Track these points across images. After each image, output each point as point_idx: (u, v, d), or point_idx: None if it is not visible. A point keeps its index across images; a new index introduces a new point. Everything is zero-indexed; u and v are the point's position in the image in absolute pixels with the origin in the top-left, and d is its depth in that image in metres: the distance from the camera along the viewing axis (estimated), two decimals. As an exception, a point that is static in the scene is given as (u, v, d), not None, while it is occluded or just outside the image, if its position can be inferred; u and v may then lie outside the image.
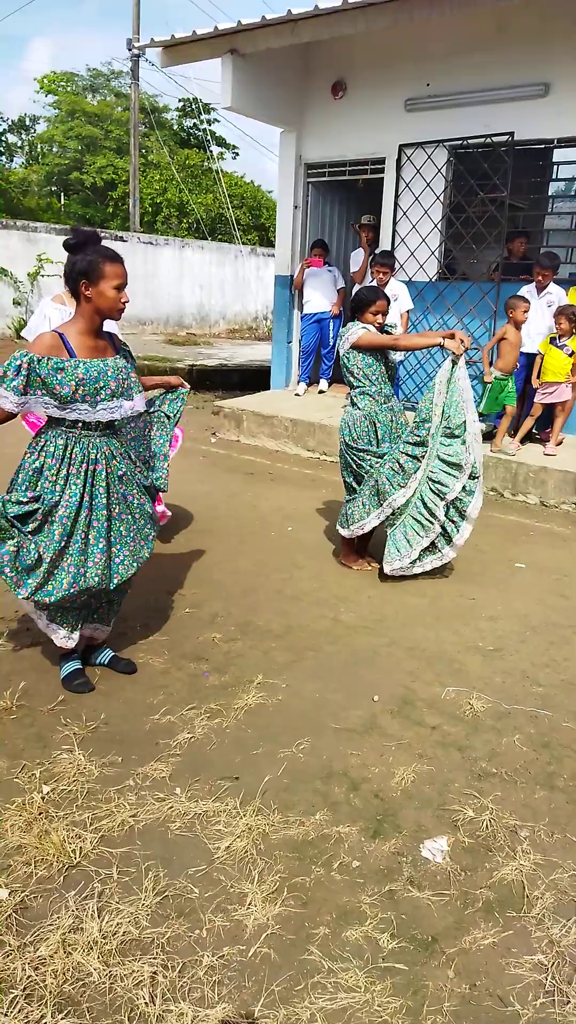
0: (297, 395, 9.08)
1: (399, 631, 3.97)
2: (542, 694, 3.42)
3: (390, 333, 4.46)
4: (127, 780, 2.68)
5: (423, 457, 4.32)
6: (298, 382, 9.32)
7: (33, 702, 3.12)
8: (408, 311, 7.69)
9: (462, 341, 4.26)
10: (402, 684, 3.45)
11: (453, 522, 4.47)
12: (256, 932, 2.12)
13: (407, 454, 4.35)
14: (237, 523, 5.52)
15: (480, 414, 6.30)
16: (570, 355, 6.38)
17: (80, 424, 2.90)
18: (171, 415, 3.61)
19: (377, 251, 7.94)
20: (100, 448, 2.96)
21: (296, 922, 2.16)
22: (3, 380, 2.72)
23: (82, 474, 2.91)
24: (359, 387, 4.48)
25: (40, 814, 2.47)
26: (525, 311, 6.28)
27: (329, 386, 9.21)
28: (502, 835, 2.53)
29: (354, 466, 4.56)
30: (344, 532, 4.67)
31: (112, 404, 2.91)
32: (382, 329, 4.49)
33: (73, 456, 2.91)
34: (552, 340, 6.48)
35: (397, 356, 4.62)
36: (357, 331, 4.39)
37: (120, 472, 3.04)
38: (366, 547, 4.87)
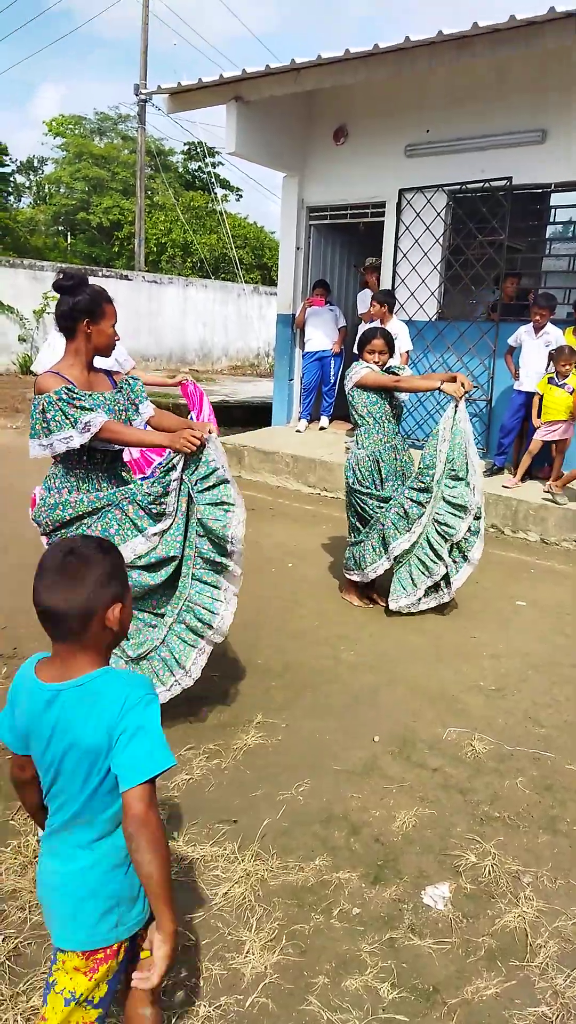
0: (298, 431, 9.14)
1: (400, 669, 3.95)
2: (544, 735, 3.39)
3: (396, 374, 4.52)
4: (124, 822, 2.64)
5: (427, 503, 4.36)
6: (299, 419, 9.39)
7: (30, 741, 3.09)
8: (408, 351, 7.78)
9: (463, 384, 4.31)
10: (403, 724, 3.42)
11: (455, 562, 4.49)
12: (254, 981, 2.08)
13: (412, 500, 4.38)
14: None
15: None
16: (571, 392, 6.44)
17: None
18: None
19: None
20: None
21: (295, 971, 2.12)
22: (67, 425, 2.74)
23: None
24: (363, 425, 4.53)
25: (35, 857, 2.43)
26: None
27: (330, 423, 9.28)
28: (504, 881, 2.49)
29: (358, 508, 4.59)
30: (354, 576, 4.68)
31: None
32: (388, 369, 4.55)
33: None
34: (550, 380, 6.54)
35: (404, 395, 4.67)
36: (360, 370, 4.45)
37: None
38: (372, 584, 4.87)
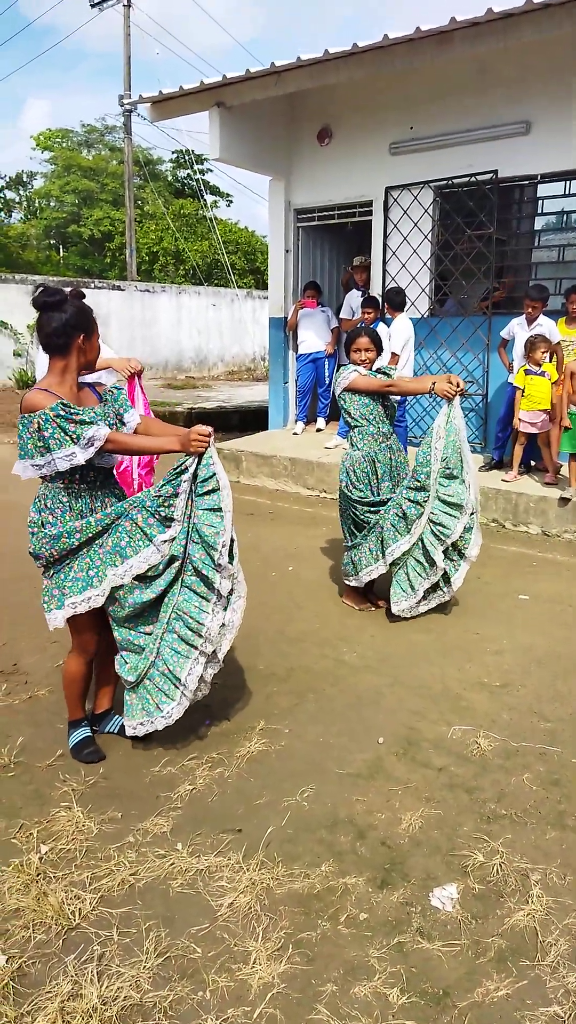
0: (295, 434, 9.13)
1: (403, 669, 3.92)
2: (550, 729, 3.36)
3: (388, 375, 4.48)
4: (127, 836, 2.62)
5: (425, 502, 4.33)
6: (295, 421, 9.38)
7: (31, 758, 3.08)
8: (396, 354, 7.71)
9: (458, 384, 4.27)
10: (407, 724, 3.39)
11: (453, 561, 4.46)
12: (261, 992, 2.05)
13: (410, 499, 4.35)
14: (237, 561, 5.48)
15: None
16: (548, 378, 6.42)
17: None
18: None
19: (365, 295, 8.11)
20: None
21: (302, 980, 2.09)
22: (68, 442, 2.69)
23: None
24: (357, 427, 4.50)
25: (38, 875, 2.42)
26: None
27: (327, 424, 9.26)
28: (513, 879, 2.46)
29: (352, 514, 4.56)
30: (352, 582, 4.65)
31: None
32: (378, 370, 4.50)
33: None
34: (527, 371, 6.51)
35: (396, 396, 4.63)
36: (349, 375, 4.42)
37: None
38: (372, 588, 4.84)
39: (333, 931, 2.25)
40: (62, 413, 2.68)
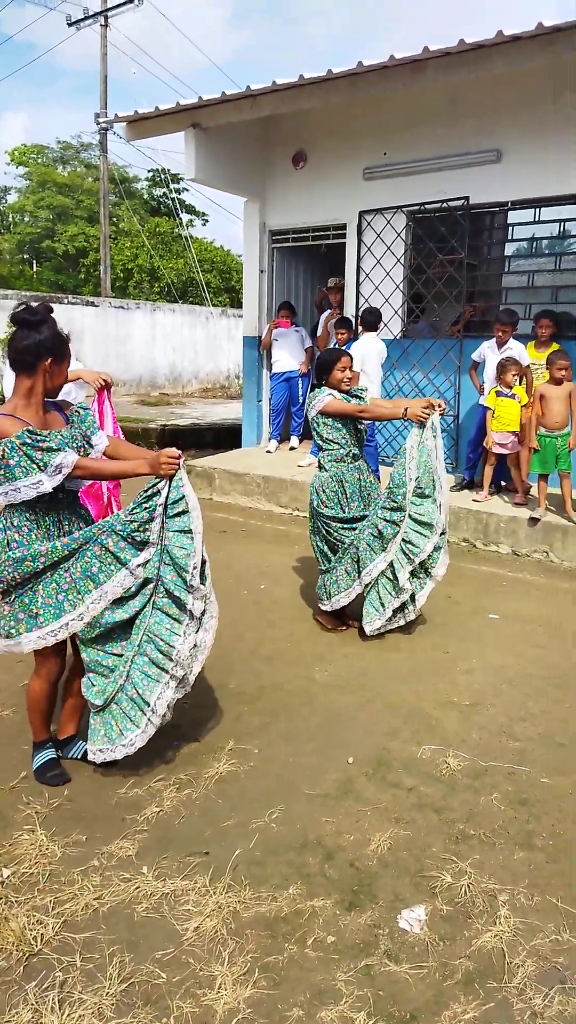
0: (268, 452, 9.15)
1: (374, 689, 3.92)
2: (519, 749, 3.38)
3: (361, 398, 4.52)
4: (91, 860, 2.58)
5: (401, 522, 4.36)
6: (269, 439, 9.40)
7: (-4, 779, 3.02)
8: (362, 371, 7.70)
9: (439, 406, 4.33)
10: (378, 744, 3.39)
11: (419, 578, 4.48)
12: (226, 1017, 2.02)
13: (386, 520, 4.38)
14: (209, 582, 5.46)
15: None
16: (518, 401, 6.52)
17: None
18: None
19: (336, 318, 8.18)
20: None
21: (268, 1005, 2.07)
22: (35, 470, 2.66)
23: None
24: (328, 450, 4.52)
25: None
26: (560, 368, 6.17)
27: (300, 443, 9.29)
28: (481, 900, 2.46)
29: (324, 532, 4.57)
30: (325, 607, 4.64)
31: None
32: (351, 392, 4.53)
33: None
34: (498, 393, 6.61)
35: (368, 420, 4.66)
36: (324, 398, 4.44)
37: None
38: (344, 608, 4.83)
39: (300, 954, 2.23)
40: (28, 441, 2.64)
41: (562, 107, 6.91)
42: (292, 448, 9.24)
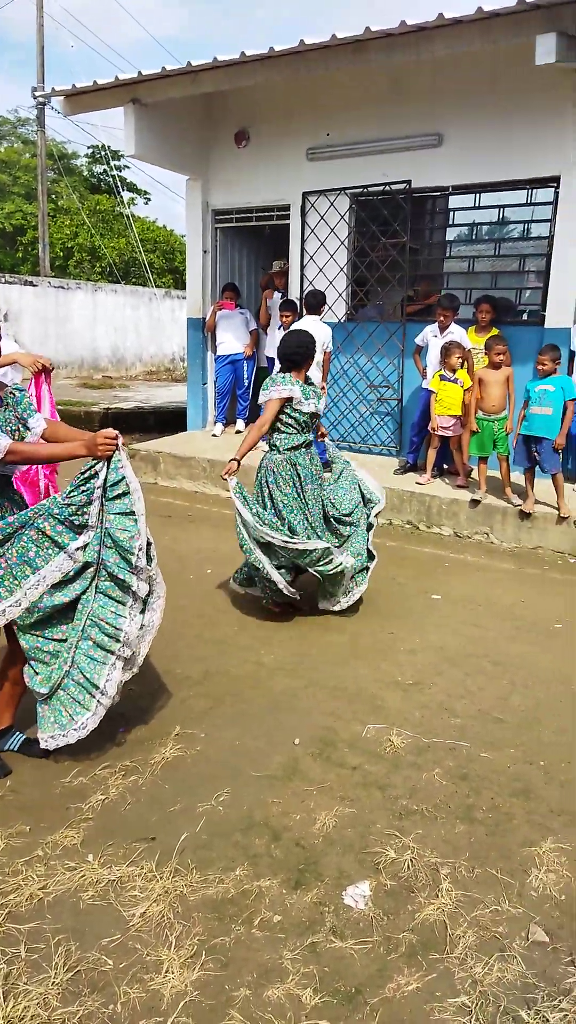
0: (214, 436, 9.10)
1: (320, 671, 3.96)
2: (460, 725, 3.46)
3: (317, 393, 4.59)
4: (36, 850, 2.55)
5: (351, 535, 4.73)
6: (215, 423, 9.35)
7: None
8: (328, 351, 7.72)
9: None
10: (323, 725, 3.42)
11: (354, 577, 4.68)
12: (174, 1000, 2.03)
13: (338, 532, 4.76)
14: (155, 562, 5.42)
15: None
16: (460, 386, 6.63)
17: None
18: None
19: (282, 300, 8.16)
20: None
21: (215, 986, 2.09)
22: None
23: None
24: (282, 432, 4.54)
25: (-57, 894, 2.32)
26: (498, 353, 6.27)
27: (246, 426, 9.25)
28: (424, 874, 2.52)
29: (265, 526, 4.38)
30: (274, 606, 4.71)
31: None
32: (308, 381, 4.59)
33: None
34: (442, 376, 6.70)
35: (320, 405, 4.64)
36: (272, 393, 4.49)
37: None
38: (295, 583, 4.80)
39: (247, 935, 2.25)
40: None
41: (500, 94, 6.98)
42: (238, 431, 9.19)
